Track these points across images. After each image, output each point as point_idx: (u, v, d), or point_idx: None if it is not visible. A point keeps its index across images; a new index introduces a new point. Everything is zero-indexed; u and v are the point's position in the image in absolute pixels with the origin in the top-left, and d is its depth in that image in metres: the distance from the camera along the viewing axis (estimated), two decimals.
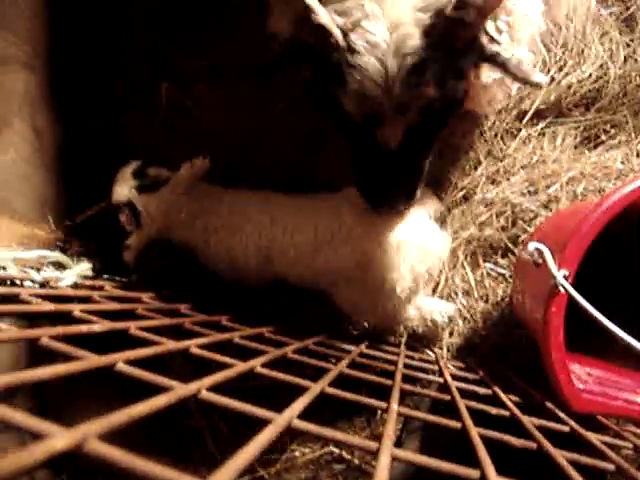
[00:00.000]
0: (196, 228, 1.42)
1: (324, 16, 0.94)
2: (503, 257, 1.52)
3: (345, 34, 0.96)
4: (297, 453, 1.54)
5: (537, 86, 1.05)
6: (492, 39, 1.02)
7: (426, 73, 0.95)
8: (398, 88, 0.95)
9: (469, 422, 0.67)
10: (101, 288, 1.17)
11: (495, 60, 1.00)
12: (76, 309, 0.80)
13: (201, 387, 0.55)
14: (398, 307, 1.33)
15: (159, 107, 1.66)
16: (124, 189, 1.43)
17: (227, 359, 0.74)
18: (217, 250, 1.42)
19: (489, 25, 1.01)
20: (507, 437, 0.67)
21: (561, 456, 0.63)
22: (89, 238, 1.56)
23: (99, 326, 0.71)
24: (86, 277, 1.25)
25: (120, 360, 0.58)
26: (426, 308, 1.42)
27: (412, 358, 1.24)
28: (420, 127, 1.03)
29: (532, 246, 0.99)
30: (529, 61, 1.21)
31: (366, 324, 1.52)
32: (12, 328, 0.63)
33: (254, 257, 1.38)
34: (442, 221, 1.55)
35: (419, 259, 1.28)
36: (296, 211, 1.37)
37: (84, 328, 0.67)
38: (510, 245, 1.50)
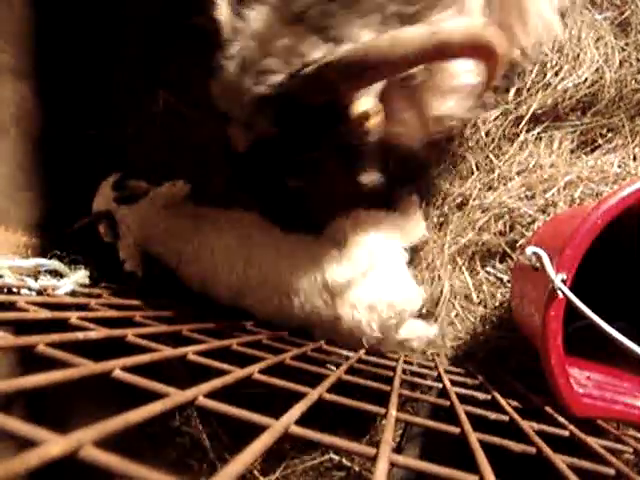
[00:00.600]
0: (170, 247, 1.41)
1: (223, 11, 0.97)
2: (501, 262, 1.52)
3: (234, 35, 0.97)
4: (297, 460, 1.53)
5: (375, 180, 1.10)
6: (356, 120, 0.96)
7: (269, 109, 0.95)
8: (246, 107, 0.97)
9: (468, 427, 0.67)
10: (99, 296, 1.16)
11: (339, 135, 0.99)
12: (73, 316, 0.80)
13: (198, 394, 0.55)
14: (372, 344, 1.32)
15: (156, 114, 1.66)
16: (103, 200, 1.44)
17: (225, 366, 0.74)
18: (188, 275, 1.41)
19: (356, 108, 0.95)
20: (507, 442, 0.67)
21: (561, 461, 0.63)
22: (86, 246, 1.55)
23: (96, 333, 0.70)
24: (83, 285, 1.25)
25: (117, 367, 0.58)
26: (403, 335, 1.39)
27: (411, 364, 1.24)
28: (264, 147, 1.03)
29: (530, 250, 0.99)
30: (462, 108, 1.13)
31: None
32: (8, 336, 0.63)
33: (225, 292, 1.37)
34: (440, 225, 1.56)
35: (389, 315, 1.27)
36: (274, 252, 1.33)
37: (81, 335, 0.67)
38: (508, 250, 1.50)
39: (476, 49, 0.80)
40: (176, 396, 0.52)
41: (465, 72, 1.03)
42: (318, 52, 0.90)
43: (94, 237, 1.56)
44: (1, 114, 1.37)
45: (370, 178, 1.12)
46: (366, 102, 0.94)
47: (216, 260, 1.35)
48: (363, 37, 0.88)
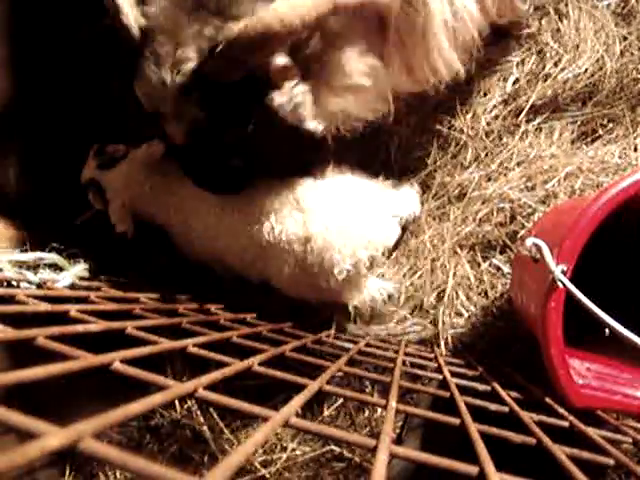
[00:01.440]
0: (158, 203, 1.44)
1: (129, 17, 1.02)
2: (502, 253, 1.52)
3: (145, 38, 1.04)
4: (298, 452, 1.53)
5: (310, 134, 1.13)
6: (272, 82, 1.04)
7: (193, 95, 1.03)
8: (171, 100, 1.05)
9: (468, 418, 0.67)
10: (98, 289, 1.16)
11: (267, 106, 1.06)
12: (73, 309, 0.80)
13: (198, 386, 0.55)
14: (337, 287, 1.34)
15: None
16: (88, 171, 1.47)
17: (225, 358, 0.74)
18: (177, 231, 1.45)
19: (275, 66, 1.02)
20: (506, 433, 0.67)
21: (561, 451, 0.63)
22: (86, 239, 1.55)
23: (96, 326, 0.70)
24: (83, 278, 1.24)
25: (117, 359, 0.58)
26: (365, 288, 1.44)
27: (411, 355, 1.24)
28: (199, 133, 1.10)
29: (530, 241, 0.98)
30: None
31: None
32: (8, 329, 0.63)
33: (204, 237, 1.41)
34: (440, 216, 1.56)
35: (362, 245, 1.29)
36: (245, 194, 1.36)
37: (80, 328, 0.67)
38: (508, 241, 1.50)
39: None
40: (176, 388, 0.52)
41: (359, 73, 1.12)
42: (223, 32, 0.97)
43: (93, 229, 1.56)
44: None
45: (312, 126, 1.15)
46: (281, 61, 1.02)
47: (197, 206, 1.39)
48: (261, 10, 0.94)
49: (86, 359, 0.55)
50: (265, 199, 1.31)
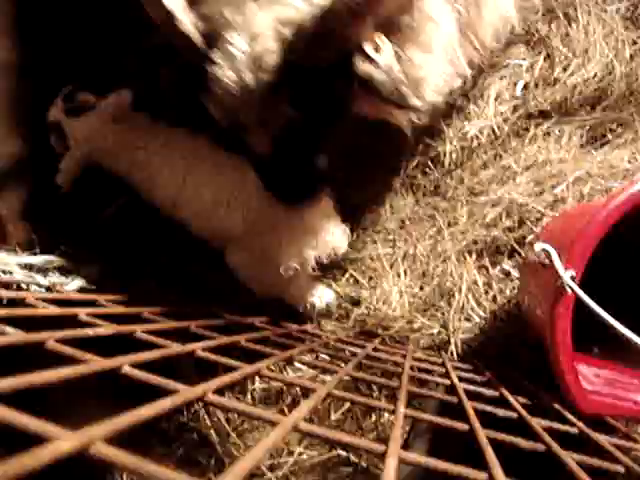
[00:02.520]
0: (121, 158, 1.44)
1: (186, 23, 0.89)
2: (510, 257, 1.51)
3: (209, 41, 0.91)
4: (305, 456, 1.53)
5: (415, 109, 0.98)
6: (368, 58, 0.89)
7: (283, 93, 0.89)
8: (257, 103, 0.91)
9: (477, 424, 0.67)
10: (107, 292, 1.17)
11: (367, 84, 0.90)
12: (82, 313, 0.80)
13: (207, 390, 0.55)
14: (280, 282, 1.37)
15: None
16: (55, 111, 1.46)
17: (233, 362, 0.74)
18: (140, 181, 1.44)
19: (367, 43, 0.89)
20: (515, 439, 0.67)
21: (570, 458, 0.63)
22: (95, 241, 1.56)
23: (105, 329, 0.71)
24: (92, 281, 1.25)
25: (126, 363, 0.58)
26: (307, 290, 1.49)
27: (419, 360, 1.24)
28: (292, 137, 0.97)
29: (539, 247, 0.98)
30: (441, 73, 1.10)
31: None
32: (19, 332, 0.63)
33: (166, 201, 1.41)
34: (449, 220, 1.55)
35: (310, 245, 1.31)
36: (213, 168, 1.37)
37: (90, 331, 0.67)
38: (517, 246, 1.49)
39: None
40: (185, 392, 0.52)
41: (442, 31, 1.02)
42: (303, 10, 0.86)
43: (102, 232, 1.57)
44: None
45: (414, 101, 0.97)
46: (372, 35, 0.89)
47: (161, 169, 1.39)
48: None
49: (96, 363, 0.56)
50: (231, 177, 1.33)
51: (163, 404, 0.47)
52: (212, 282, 1.56)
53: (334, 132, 1.01)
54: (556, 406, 0.98)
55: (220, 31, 0.90)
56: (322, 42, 0.84)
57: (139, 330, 0.77)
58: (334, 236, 1.37)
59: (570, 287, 0.92)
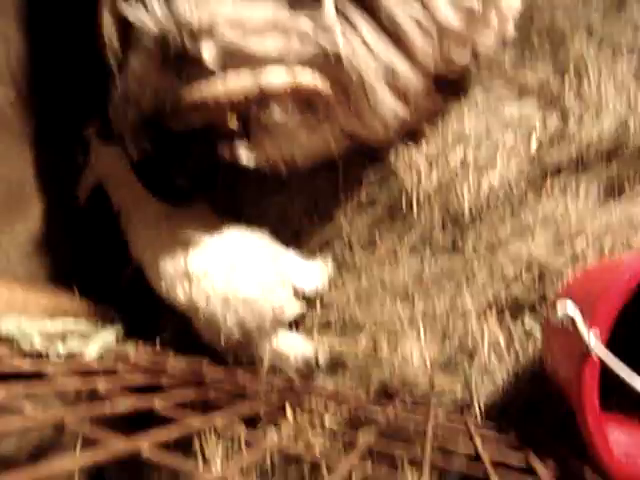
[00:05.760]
0: (119, 195, 1.55)
1: (113, 51, 1.20)
2: (531, 314, 1.48)
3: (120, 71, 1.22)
4: None
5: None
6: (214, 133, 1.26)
7: (143, 132, 1.21)
8: (130, 129, 1.22)
9: None
10: (126, 358, 1.16)
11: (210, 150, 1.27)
12: (100, 385, 0.80)
13: (229, 476, 0.54)
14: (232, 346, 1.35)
15: None
16: (88, 129, 1.57)
17: (254, 433, 0.73)
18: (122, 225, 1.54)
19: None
20: None
21: None
22: (114, 302, 1.57)
23: (124, 404, 0.70)
24: (110, 345, 1.25)
25: (146, 444, 0.57)
26: (281, 347, 1.42)
27: (441, 425, 1.21)
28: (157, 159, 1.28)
29: (561, 307, 0.97)
30: None
31: None
32: (37, 409, 0.63)
33: (135, 260, 1.47)
34: (467, 276, 1.54)
35: (250, 317, 1.28)
36: (161, 233, 1.43)
37: (109, 408, 0.67)
38: (538, 302, 1.47)
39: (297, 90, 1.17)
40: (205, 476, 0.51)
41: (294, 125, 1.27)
42: (177, 91, 1.14)
43: (121, 292, 1.59)
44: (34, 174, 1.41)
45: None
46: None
47: (134, 229, 1.49)
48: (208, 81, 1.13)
49: (116, 445, 0.55)
50: (165, 259, 1.35)
51: None
52: None
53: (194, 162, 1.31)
54: (586, 474, 0.94)
55: (127, 71, 1.19)
56: (175, 117, 1.16)
57: (158, 403, 0.76)
58: (276, 304, 1.34)
59: (596, 349, 0.90)
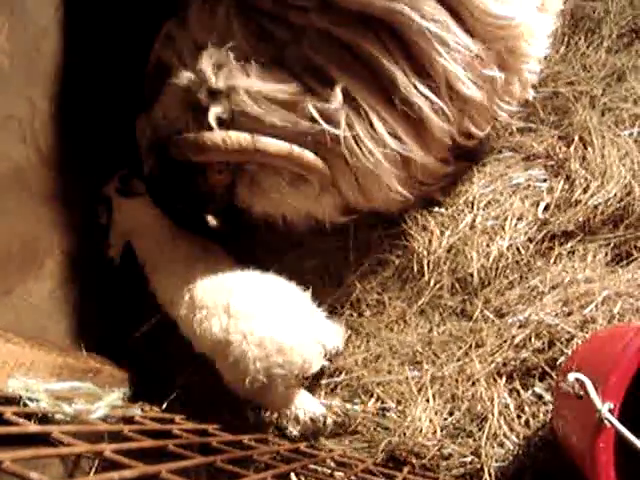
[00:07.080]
0: (144, 248, 1.60)
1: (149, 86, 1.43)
2: (541, 380, 1.46)
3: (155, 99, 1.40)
4: None
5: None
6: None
7: (155, 150, 1.39)
8: (145, 145, 1.44)
9: None
10: (131, 419, 1.15)
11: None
12: (107, 449, 0.79)
13: None
14: (251, 392, 1.35)
15: None
16: (108, 188, 1.65)
17: None
18: (149, 277, 1.57)
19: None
20: None
21: None
22: (124, 360, 1.57)
23: (130, 472, 0.69)
24: (117, 406, 1.24)
25: None
26: (296, 405, 1.44)
27: None
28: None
29: (572, 377, 0.96)
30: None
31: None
32: (44, 478, 0.62)
33: (166, 304, 1.51)
34: (477, 342, 1.53)
35: (278, 364, 1.30)
36: (202, 268, 1.47)
37: (116, 476, 0.66)
38: (548, 368, 1.45)
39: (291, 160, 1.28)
40: None
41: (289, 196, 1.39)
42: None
43: (130, 353, 1.58)
44: (50, 236, 1.44)
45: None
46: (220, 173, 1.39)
47: (162, 273, 1.53)
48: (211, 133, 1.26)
49: None
50: (205, 292, 1.40)
51: None
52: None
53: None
54: None
55: (159, 103, 1.39)
56: (175, 150, 1.32)
57: (164, 471, 0.75)
58: (304, 356, 1.35)
59: (609, 421, 0.89)
